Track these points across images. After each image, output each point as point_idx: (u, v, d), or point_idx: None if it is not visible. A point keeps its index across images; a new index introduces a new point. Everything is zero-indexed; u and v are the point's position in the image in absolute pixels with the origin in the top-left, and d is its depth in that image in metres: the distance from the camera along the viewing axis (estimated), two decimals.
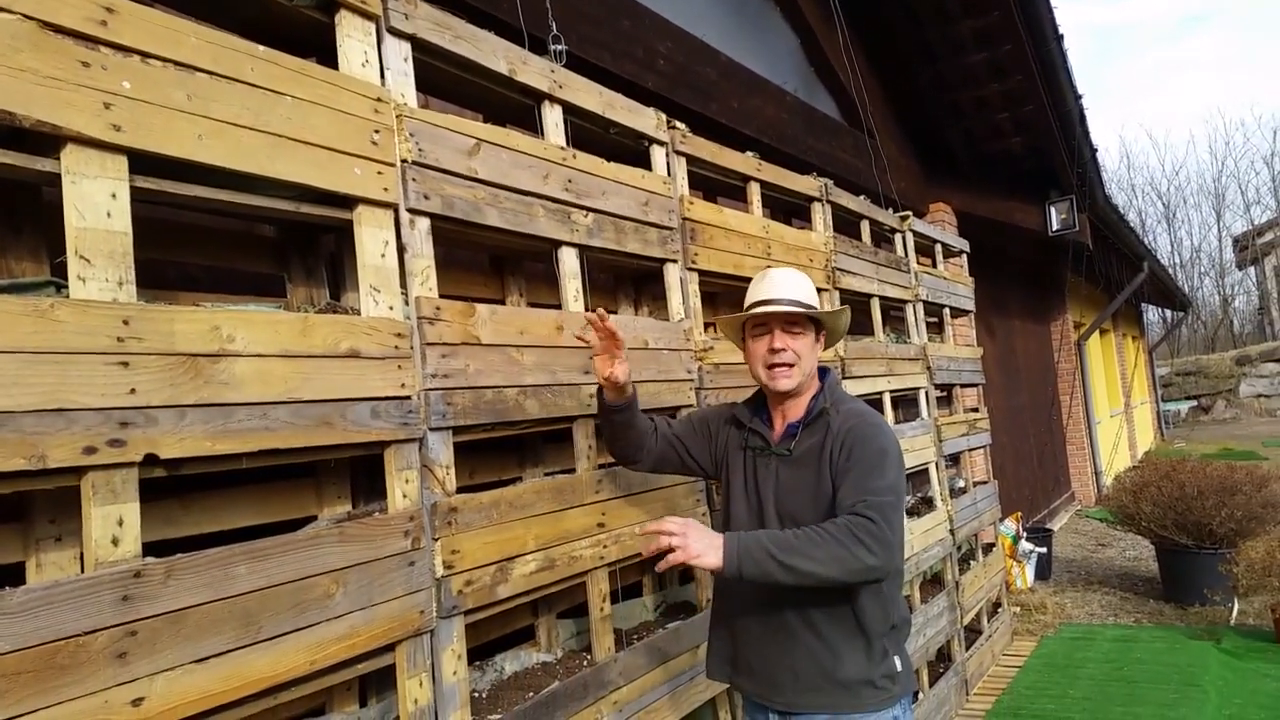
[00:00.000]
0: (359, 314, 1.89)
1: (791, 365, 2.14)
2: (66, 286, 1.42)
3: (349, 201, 1.89)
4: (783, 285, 2.19)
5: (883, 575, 1.94)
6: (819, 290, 3.94)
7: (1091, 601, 7.12)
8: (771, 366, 2.16)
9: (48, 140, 1.41)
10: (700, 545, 1.88)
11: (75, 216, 1.41)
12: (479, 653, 2.41)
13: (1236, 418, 24.37)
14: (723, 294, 3.64)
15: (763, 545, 1.89)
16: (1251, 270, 34.35)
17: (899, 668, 2.12)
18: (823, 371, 2.27)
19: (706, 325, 3.50)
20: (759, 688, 2.15)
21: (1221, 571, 6.00)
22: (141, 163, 1.53)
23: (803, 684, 2.07)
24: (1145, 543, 7.71)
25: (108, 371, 1.40)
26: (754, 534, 1.93)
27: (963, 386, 5.83)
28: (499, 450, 2.63)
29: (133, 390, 1.43)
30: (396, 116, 2.00)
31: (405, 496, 1.90)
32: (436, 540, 1.95)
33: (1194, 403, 25.47)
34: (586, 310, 2.51)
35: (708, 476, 2.54)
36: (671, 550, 1.88)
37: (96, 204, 1.44)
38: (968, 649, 5.12)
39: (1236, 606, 6.08)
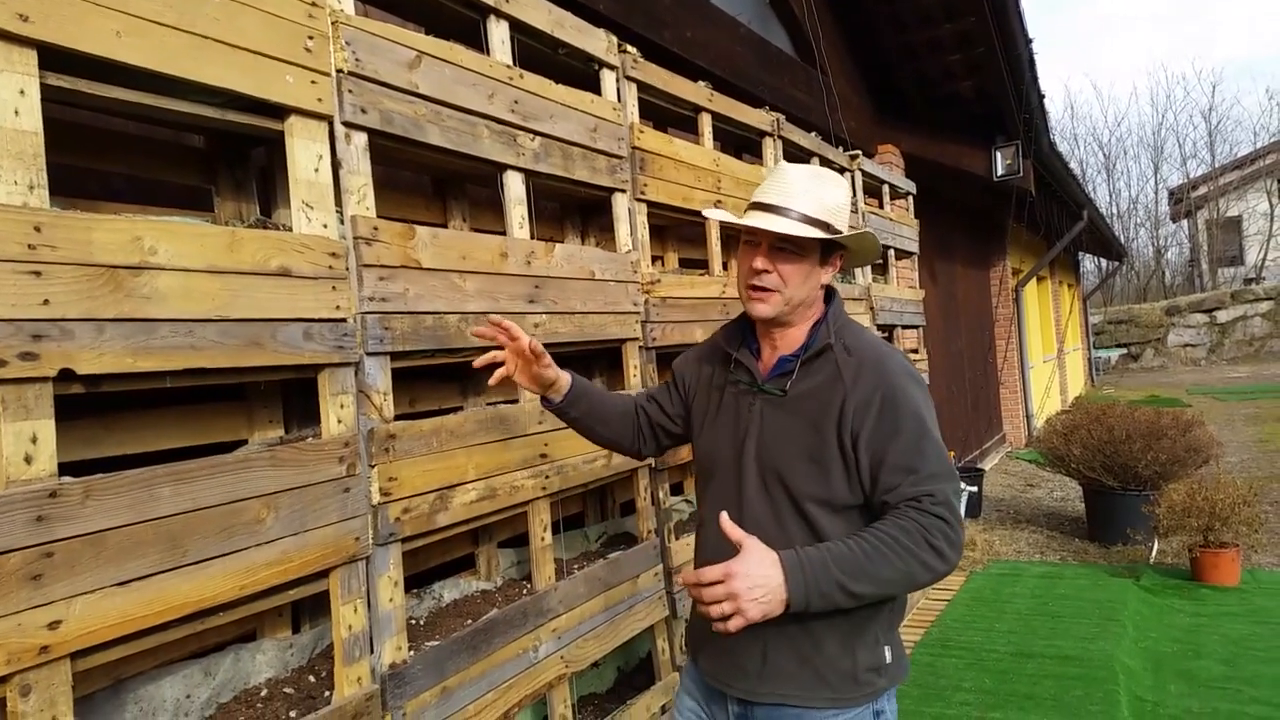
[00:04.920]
0: (291, 231, 1.81)
1: (772, 291, 1.74)
2: None
3: (280, 111, 1.79)
4: (792, 190, 1.73)
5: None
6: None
7: (1019, 539, 7.34)
8: (751, 287, 1.76)
9: None
10: (760, 601, 1.48)
11: None
12: (418, 580, 2.39)
13: (1164, 366, 25.15)
14: (671, 227, 3.60)
15: (832, 576, 1.52)
16: (1185, 223, 35.18)
17: (888, 658, 1.74)
18: (828, 294, 1.86)
19: (654, 259, 3.46)
20: (718, 669, 1.78)
21: (1144, 513, 6.20)
22: (54, 59, 1.42)
23: (769, 669, 1.70)
24: (1073, 484, 7.95)
25: (17, 281, 1.32)
26: (820, 558, 1.54)
27: (904, 328, 5.88)
28: (440, 378, 2.57)
29: (46, 301, 1.35)
30: (332, 23, 1.89)
31: (340, 422, 1.85)
32: (373, 467, 1.90)
33: (1124, 350, 26.19)
34: (533, 237, 2.45)
35: None
36: (726, 616, 1.48)
37: (2, 100, 1.34)
38: None
39: (1156, 546, 6.32)
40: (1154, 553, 6.32)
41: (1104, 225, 15.50)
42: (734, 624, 1.47)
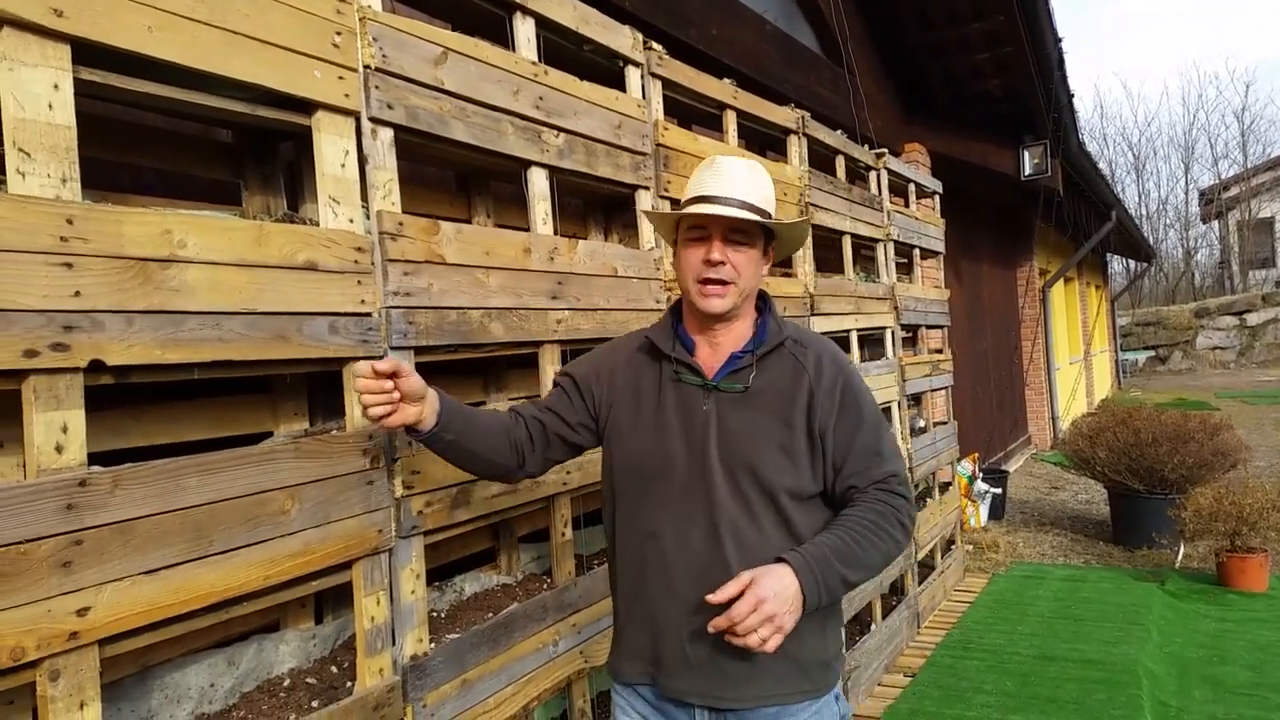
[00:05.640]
0: (318, 225, 1.82)
1: (728, 284, 1.71)
2: (4, 182, 1.35)
3: (308, 106, 1.81)
4: (734, 181, 1.72)
5: None
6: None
7: (1043, 542, 7.29)
8: (705, 281, 1.71)
9: None
10: (793, 613, 1.51)
11: (14, 106, 1.33)
12: (439, 574, 2.40)
13: (1192, 369, 24.85)
14: None
15: (835, 570, 1.57)
16: (1215, 224, 34.72)
17: (843, 639, 1.81)
18: (761, 294, 1.86)
19: None
20: (698, 685, 1.69)
21: (1170, 516, 6.14)
22: (87, 53, 1.44)
23: (757, 672, 1.68)
24: (1097, 487, 7.88)
25: (50, 272, 1.34)
26: (821, 554, 1.58)
27: (928, 328, 5.85)
28: (463, 373, 2.59)
29: (77, 293, 1.37)
30: (360, 19, 1.91)
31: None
32: (396, 460, 1.92)
33: (1152, 353, 25.91)
34: (556, 233, 2.46)
35: (598, 444, 1.93)
36: (774, 629, 1.49)
37: (36, 94, 1.36)
38: (920, 583, 5.22)
39: (1182, 550, 6.25)
40: (1180, 557, 6.25)
41: (1133, 226, 15.34)
42: (774, 643, 1.49)
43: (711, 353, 1.79)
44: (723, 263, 1.70)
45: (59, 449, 1.35)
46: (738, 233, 1.72)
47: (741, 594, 1.49)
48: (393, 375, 1.56)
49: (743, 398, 1.72)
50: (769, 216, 1.75)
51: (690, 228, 1.75)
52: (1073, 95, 7.99)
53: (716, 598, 1.51)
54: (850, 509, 1.69)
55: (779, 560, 1.57)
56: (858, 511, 1.67)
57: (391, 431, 1.75)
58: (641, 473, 1.76)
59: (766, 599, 1.48)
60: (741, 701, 1.68)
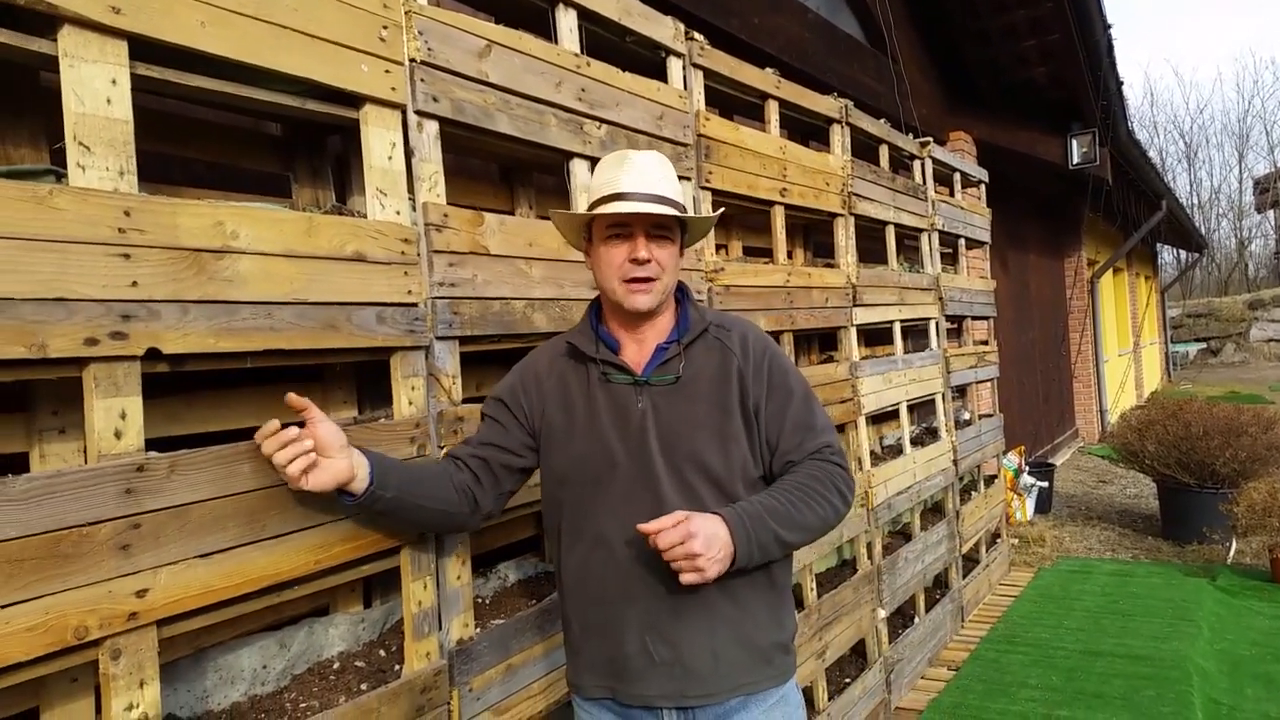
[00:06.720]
0: (365, 217, 1.85)
1: (653, 280, 1.68)
2: (66, 176, 1.39)
3: (356, 100, 1.84)
4: (647, 175, 1.69)
5: None
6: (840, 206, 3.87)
7: (1090, 536, 7.18)
8: (632, 280, 1.68)
9: (44, 20, 1.36)
10: (718, 559, 1.53)
11: (74, 102, 1.37)
12: (483, 561, 2.43)
13: (1245, 361, 24.28)
14: (735, 215, 3.59)
15: (769, 528, 1.60)
16: (1270, 214, 33.84)
17: (796, 622, 1.82)
18: (679, 284, 1.82)
19: (719, 247, 3.46)
20: (665, 687, 1.66)
21: (1222, 511, 6.02)
22: (143, 49, 1.48)
23: (723, 665, 1.66)
24: (1146, 481, 7.74)
25: (109, 263, 1.38)
26: (756, 512, 1.60)
27: (974, 319, 5.79)
28: (506, 363, 2.60)
29: (134, 283, 1.41)
30: (406, 12, 1.93)
31: (411, 403, 1.89)
32: (442, 448, 1.94)
33: (1203, 345, 25.35)
34: None
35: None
36: (692, 568, 1.51)
37: (96, 90, 1.40)
38: (965, 577, 5.18)
39: (1234, 546, 6.12)
40: (1232, 552, 6.13)
41: (1184, 215, 15.02)
42: (689, 579, 1.52)
43: (638, 349, 1.76)
44: (649, 260, 1.68)
45: (118, 435, 1.39)
46: (659, 228, 1.70)
47: (674, 527, 1.51)
48: (301, 412, 1.53)
49: (675, 389, 1.71)
50: (684, 209, 1.75)
51: (609, 225, 1.71)
52: (1122, 82, 7.83)
53: (648, 527, 1.53)
54: (787, 475, 1.72)
55: (713, 514, 1.58)
56: (794, 477, 1.69)
57: (324, 494, 1.58)
58: (582, 478, 1.72)
59: (696, 535, 1.50)
60: (710, 696, 1.66)
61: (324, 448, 1.54)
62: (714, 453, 1.68)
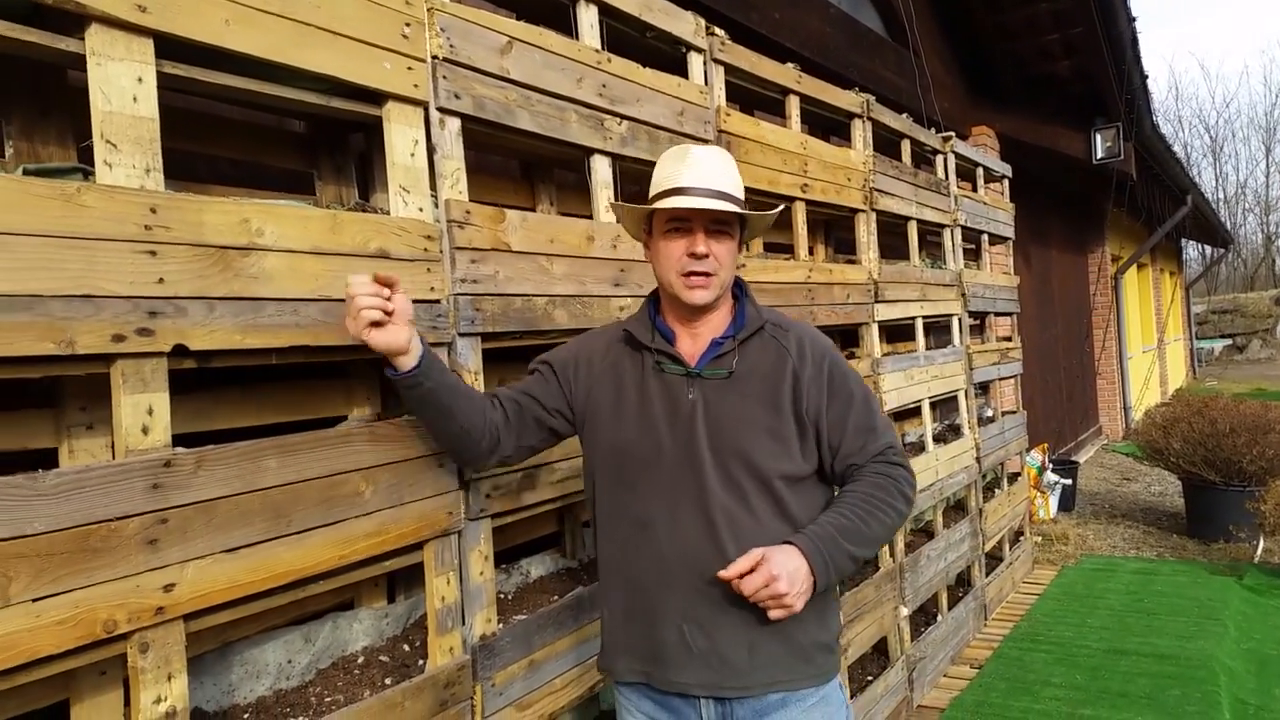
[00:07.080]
0: (388, 214, 1.86)
1: (712, 275, 1.70)
2: (93, 174, 1.40)
3: (378, 97, 1.84)
4: (709, 172, 1.70)
5: None
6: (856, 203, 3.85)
7: (1114, 534, 7.12)
8: (690, 274, 1.70)
9: (72, 19, 1.37)
10: (800, 586, 1.55)
11: (101, 100, 1.38)
12: (505, 556, 2.44)
13: (1271, 358, 23.99)
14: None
15: (843, 549, 1.61)
16: None
17: (842, 623, 1.81)
18: (737, 280, 1.85)
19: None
20: (701, 676, 1.67)
21: (1249, 509, 5.95)
22: (168, 47, 1.49)
23: (759, 659, 1.66)
24: (1171, 478, 7.67)
25: (135, 260, 1.39)
26: (828, 534, 1.61)
27: (996, 315, 5.74)
28: (528, 360, 2.61)
29: (161, 280, 1.41)
30: (428, 9, 1.93)
31: None
32: None
33: (1228, 341, 25.08)
34: (618, 220, 2.46)
35: (574, 433, 1.91)
36: (778, 605, 1.55)
37: (122, 88, 1.41)
38: (988, 575, 5.14)
39: (1262, 544, 6.05)
40: (1259, 551, 6.06)
41: (1209, 210, 14.84)
42: (779, 615, 1.55)
43: (692, 342, 1.78)
44: (707, 255, 1.69)
45: (145, 430, 1.40)
46: (719, 224, 1.71)
47: (753, 570, 1.53)
48: (388, 284, 1.57)
49: (727, 383, 1.72)
50: (745, 205, 1.76)
51: (669, 220, 1.72)
52: (1146, 76, 7.74)
53: (727, 573, 1.54)
54: (851, 485, 1.72)
55: (787, 543, 1.59)
56: (860, 487, 1.70)
57: (376, 355, 1.61)
58: (629, 462, 1.75)
59: (779, 577, 1.52)
60: (746, 690, 1.66)
61: (396, 315, 1.58)
62: (759, 449, 1.68)
